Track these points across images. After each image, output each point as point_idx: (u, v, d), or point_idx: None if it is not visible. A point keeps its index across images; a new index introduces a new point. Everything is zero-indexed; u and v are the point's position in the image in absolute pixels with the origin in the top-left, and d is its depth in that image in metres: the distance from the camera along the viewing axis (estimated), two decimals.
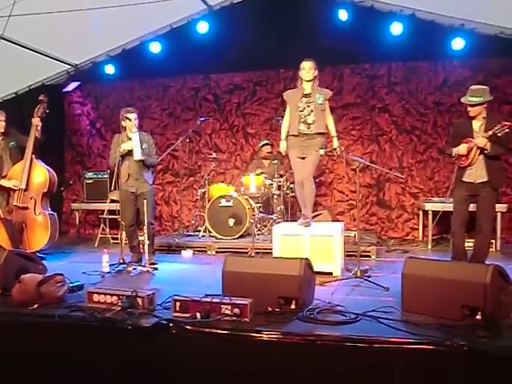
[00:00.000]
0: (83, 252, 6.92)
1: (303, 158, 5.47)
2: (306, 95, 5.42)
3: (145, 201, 5.42)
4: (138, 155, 5.45)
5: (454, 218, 4.88)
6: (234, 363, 3.18)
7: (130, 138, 5.49)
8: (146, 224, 5.43)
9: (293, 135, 5.48)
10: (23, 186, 5.95)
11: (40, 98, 6.16)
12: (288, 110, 5.58)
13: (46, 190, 6.11)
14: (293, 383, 3.10)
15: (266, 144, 7.68)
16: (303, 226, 5.39)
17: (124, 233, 5.72)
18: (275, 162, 6.98)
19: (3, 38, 6.04)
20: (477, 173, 4.69)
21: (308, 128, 5.40)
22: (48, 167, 6.22)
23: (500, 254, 6.33)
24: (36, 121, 6.04)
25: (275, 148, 7.62)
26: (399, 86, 7.72)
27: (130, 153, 5.48)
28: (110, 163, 5.66)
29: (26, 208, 5.96)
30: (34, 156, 6.08)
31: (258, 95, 8.27)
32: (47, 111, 6.13)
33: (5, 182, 5.98)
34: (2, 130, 6.13)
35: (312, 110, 5.39)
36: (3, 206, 5.99)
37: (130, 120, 5.48)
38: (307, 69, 5.37)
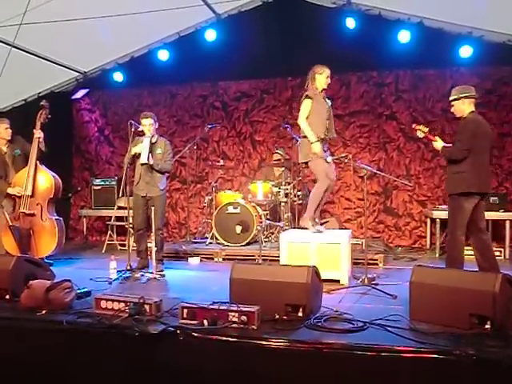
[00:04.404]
0: (91, 258, 6.95)
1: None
2: (324, 100, 5.45)
3: (153, 207, 5.45)
4: (142, 159, 5.46)
5: None
6: (241, 370, 3.17)
7: None
8: (153, 230, 5.45)
9: (320, 138, 5.27)
10: (29, 193, 5.92)
11: (41, 103, 6.13)
12: (311, 108, 5.29)
13: (51, 196, 6.09)
14: None
15: (277, 153, 7.65)
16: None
17: (132, 238, 5.72)
18: (283, 169, 6.97)
19: (13, 46, 6.08)
20: None
21: (328, 133, 5.42)
22: (53, 173, 6.17)
23: (509, 263, 6.28)
24: (37, 133, 5.99)
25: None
26: (407, 93, 7.72)
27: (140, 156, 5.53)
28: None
29: (33, 214, 5.94)
30: (38, 162, 6.04)
31: (266, 103, 8.30)
32: (49, 116, 6.08)
33: (10, 190, 5.99)
34: (9, 138, 6.15)
35: (330, 116, 5.45)
36: (10, 212, 6.00)
37: (144, 125, 5.56)
38: (329, 79, 5.39)
